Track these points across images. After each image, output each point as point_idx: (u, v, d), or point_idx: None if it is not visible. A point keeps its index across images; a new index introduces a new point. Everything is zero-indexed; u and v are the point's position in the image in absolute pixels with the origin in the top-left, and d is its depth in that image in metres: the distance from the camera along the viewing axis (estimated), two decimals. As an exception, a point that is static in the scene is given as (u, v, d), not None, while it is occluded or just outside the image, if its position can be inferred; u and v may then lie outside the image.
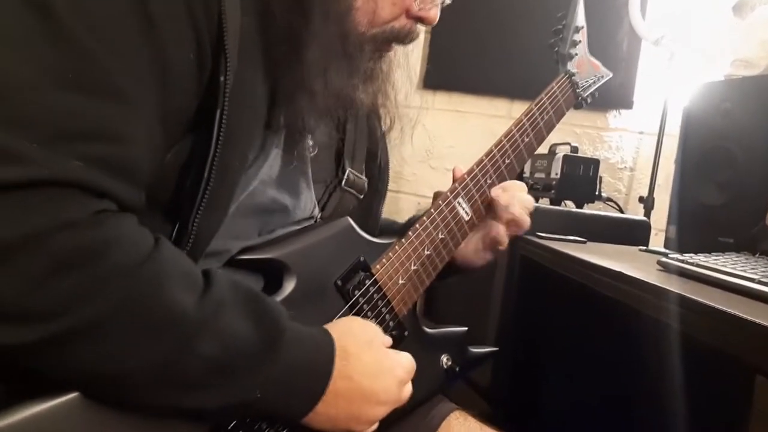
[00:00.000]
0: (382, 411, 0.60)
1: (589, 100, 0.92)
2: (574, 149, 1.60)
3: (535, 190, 1.59)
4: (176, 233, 0.54)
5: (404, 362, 0.64)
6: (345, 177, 0.75)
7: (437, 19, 0.68)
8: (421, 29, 0.70)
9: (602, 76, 0.93)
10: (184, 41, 0.49)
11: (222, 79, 0.51)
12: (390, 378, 0.60)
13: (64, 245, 0.41)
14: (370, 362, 0.59)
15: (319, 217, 0.73)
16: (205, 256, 0.56)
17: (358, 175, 0.77)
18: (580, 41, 0.89)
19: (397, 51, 0.71)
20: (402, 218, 0.86)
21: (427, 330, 0.78)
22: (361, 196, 0.78)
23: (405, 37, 0.67)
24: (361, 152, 0.78)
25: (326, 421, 0.56)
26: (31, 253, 0.39)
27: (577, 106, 0.91)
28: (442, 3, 0.68)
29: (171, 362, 0.46)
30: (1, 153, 0.39)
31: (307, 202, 0.69)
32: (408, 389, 0.64)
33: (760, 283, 0.72)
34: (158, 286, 0.45)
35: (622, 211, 1.86)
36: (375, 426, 0.61)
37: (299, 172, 0.66)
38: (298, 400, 0.54)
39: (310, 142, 0.68)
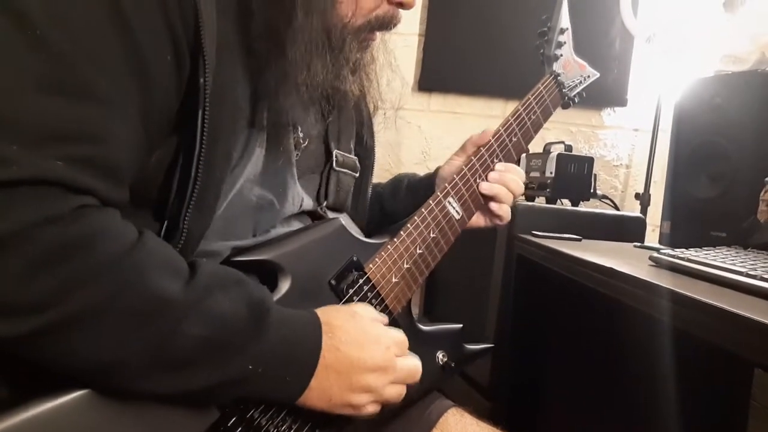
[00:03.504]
0: (373, 378, 0.61)
1: (576, 100, 0.94)
2: (569, 148, 1.61)
3: (530, 189, 1.60)
4: (166, 232, 0.55)
5: (393, 333, 0.65)
6: (334, 159, 0.76)
7: (415, 3, 0.69)
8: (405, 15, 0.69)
9: (588, 76, 0.94)
10: (161, 43, 0.50)
11: (201, 80, 0.52)
12: (376, 345, 0.61)
13: (49, 239, 0.42)
14: (355, 332, 0.60)
15: (324, 205, 0.75)
16: (201, 257, 0.57)
17: (347, 154, 0.78)
18: (564, 42, 0.91)
19: (377, 38, 0.71)
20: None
21: (422, 327, 0.79)
22: (357, 174, 0.80)
23: (389, 23, 0.67)
24: (346, 135, 0.79)
25: (321, 395, 0.58)
26: (17, 248, 0.41)
27: (564, 105, 0.93)
28: None
29: (162, 346, 0.47)
30: None
31: (295, 197, 0.69)
32: (405, 363, 0.65)
33: (747, 276, 0.73)
34: (144, 275, 0.47)
35: (617, 209, 1.87)
36: (375, 407, 0.62)
37: (284, 168, 0.67)
38: (292, 377, 0.56)
39: (301, 134, 0.69)
